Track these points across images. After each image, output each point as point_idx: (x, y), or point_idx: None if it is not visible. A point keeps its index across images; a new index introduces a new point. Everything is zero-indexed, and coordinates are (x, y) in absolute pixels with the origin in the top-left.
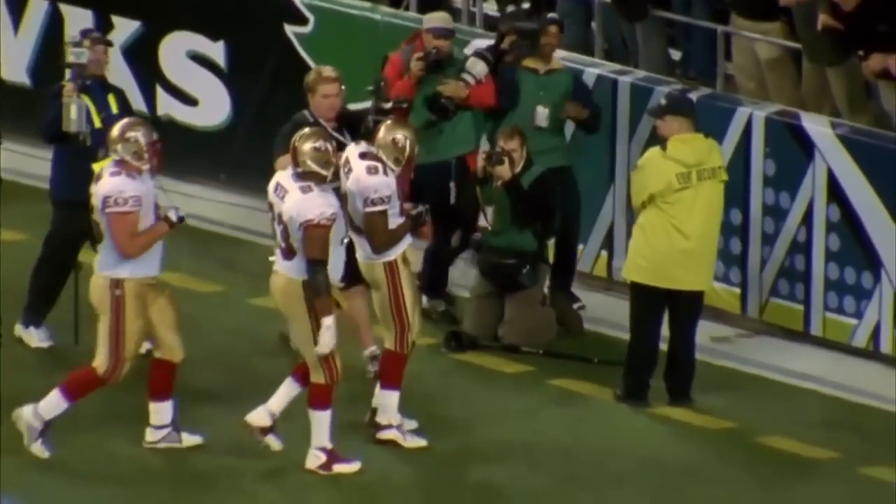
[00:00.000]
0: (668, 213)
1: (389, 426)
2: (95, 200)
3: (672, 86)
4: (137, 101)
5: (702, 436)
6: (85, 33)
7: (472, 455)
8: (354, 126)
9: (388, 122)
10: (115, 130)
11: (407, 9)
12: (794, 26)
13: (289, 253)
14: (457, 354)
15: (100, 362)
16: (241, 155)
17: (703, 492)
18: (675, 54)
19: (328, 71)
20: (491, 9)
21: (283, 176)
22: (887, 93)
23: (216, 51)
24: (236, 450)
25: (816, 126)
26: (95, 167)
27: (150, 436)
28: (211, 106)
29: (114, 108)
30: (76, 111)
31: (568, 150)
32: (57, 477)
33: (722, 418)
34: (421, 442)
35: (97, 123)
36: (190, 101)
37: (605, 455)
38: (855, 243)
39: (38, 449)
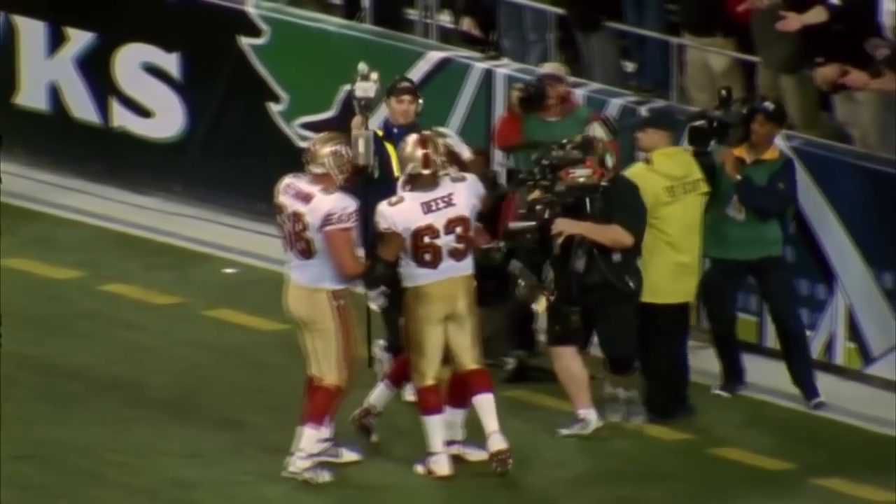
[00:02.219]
0: (659, 228)
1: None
2: (311, 218)
3: (626, 97)
4: (91, 113)
5: (658, 447)
6: (404, 86)
7: None
8: None
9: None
10: (323, 146)
11: (362, 21)
12: (741, 40)
13: (465, 254)
14: None
15: (333, 377)
16: (195, 167)
17: (660, 502)
18: (631, 66)
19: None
20: (445, 21)
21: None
22: (842, 104)
23: (170, 62)
24: (197, 461)
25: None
26: None
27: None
28: (165, 118)
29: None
30: (364, 144)
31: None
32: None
33: (678, 430)
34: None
35: (397, 172)
36: (144, 112)
37: (562, 465)
38: (809, 256)
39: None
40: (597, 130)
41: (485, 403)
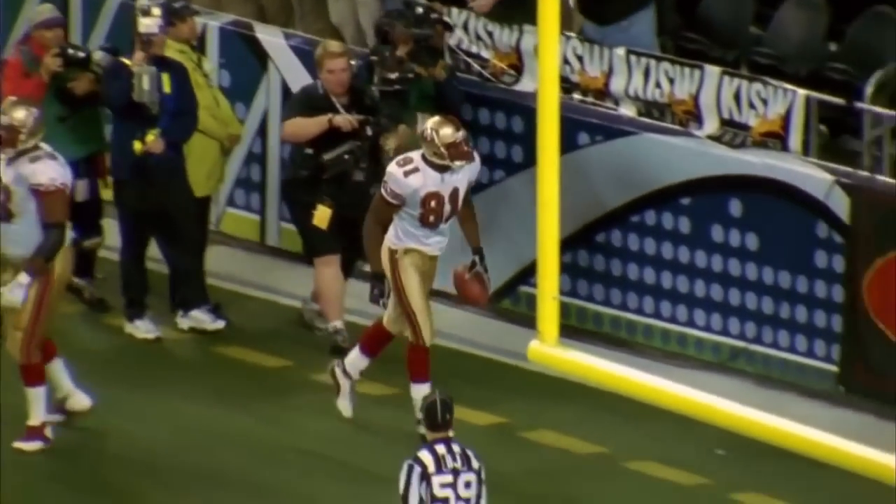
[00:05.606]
0: None
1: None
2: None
3: None
4: None
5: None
6: (176, 7)
7: None
8: (361, 101)
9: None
10: None
11: None
12: None
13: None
14: None
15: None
16: None
17: None
18: None
19: (333, 46)
20: None
21: None
22: (334, 4)
23: None
24: None
25: (269, 37)
26: (136, 145)
27: None
28: None
29: (166, 88)
30: (148, 80)
31: None
32: None
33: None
34: None
35: None
36: None
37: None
38: None
39: None
40: (106, 58)
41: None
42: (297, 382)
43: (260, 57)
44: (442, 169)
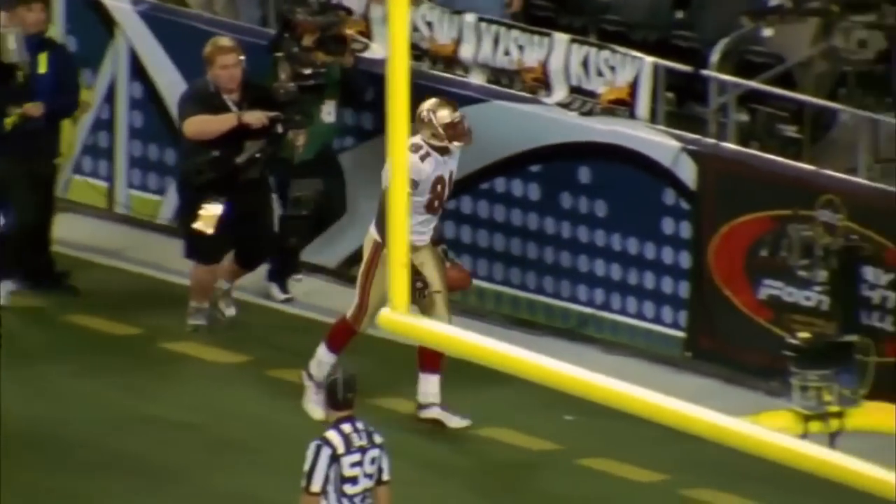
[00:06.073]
0: None
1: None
2: None
3: None
4: None
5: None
6: None
7: None
8: (263, 97)
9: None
10: None
11: None
12: None
13: None
14: None
15: None
16: None
17: None
18: None
19: (223, 41)
20: None
21: None
22: None
23: None
24: None
25: (117, 3)
26: (7, 122)
27: None
28: None
29: (42, 67)
30: (13, 41)
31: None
32: None
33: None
34: None
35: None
36: None
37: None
38: (159, 120)
39: None
40: None
41: None
42: (148, 351)
43: (107, 23)
44: (442, 151)
